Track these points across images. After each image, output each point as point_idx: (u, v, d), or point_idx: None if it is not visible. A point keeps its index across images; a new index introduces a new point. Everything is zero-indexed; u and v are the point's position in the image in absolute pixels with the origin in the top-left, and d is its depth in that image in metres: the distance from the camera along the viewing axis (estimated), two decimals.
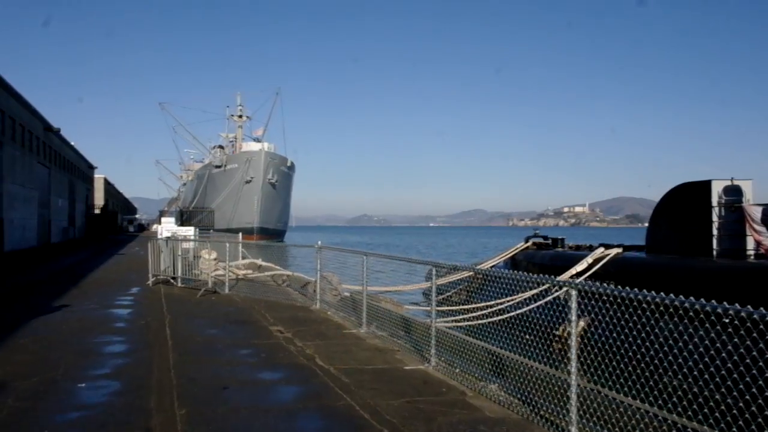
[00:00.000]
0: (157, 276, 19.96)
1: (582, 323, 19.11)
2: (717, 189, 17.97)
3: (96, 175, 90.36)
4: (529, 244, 27.36)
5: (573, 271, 20.89)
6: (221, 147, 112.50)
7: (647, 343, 9.04)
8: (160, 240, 21.16)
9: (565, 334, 18.84)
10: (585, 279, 20.34)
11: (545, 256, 24.57)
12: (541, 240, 27.54)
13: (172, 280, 19.75)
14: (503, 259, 28.22)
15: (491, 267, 27.91)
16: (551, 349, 17.73)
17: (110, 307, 14.74)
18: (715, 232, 17.89)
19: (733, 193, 17.62)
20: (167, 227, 36.98)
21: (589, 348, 9.54)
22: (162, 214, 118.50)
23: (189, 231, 33.85)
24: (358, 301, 13.93)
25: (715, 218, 17.89)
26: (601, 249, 21.03)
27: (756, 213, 16.52)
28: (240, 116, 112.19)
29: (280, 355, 9.36)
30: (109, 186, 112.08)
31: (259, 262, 24.20)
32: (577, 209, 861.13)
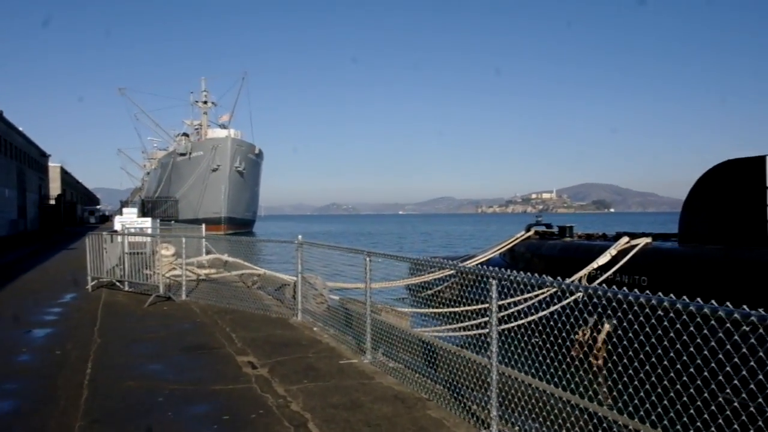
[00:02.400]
0: (99, 279, 16.38)
1: (607, 326, 16.18)
2: None
3: (51, 164, 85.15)
4: (530, 233, 24.25)
5: (594, 265, 17.87)
6: (186, 135, 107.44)
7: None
8: (105, 233, 17.54)
9: (587, 339, 15.56)
10: (612, 274, 17.36)
11: (553, 248, 21.50)
12: (544, 228, 24.49)
13: (118, 284, 16.23)
14: (500, 251, 25.03)
15: (486, 260, 24.88)
16: (570, 355, 14.68)
17: (25, 325, 11.18)
18: None
19: None
20: (125, 219, 33.23)
21: (623, 360, 6.53)
22: (124, 204, 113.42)
23: (145, 222, 30.18)
24: (355, 314, 10.64)
25: None
26: (626, 239, 18.02)
27: None
28: (205, 102, 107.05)
29: (252, 417, 6.02)
30: (66, 175, 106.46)
31: (225, 257, 20.66)
32: (545, 195, 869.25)
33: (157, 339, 9.90)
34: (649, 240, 17.69)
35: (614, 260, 17.61)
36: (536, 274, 5.67)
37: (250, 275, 17.53)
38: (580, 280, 18.15)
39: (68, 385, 7.19)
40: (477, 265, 17.42)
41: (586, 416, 5.69)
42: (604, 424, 5.51)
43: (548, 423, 5.67)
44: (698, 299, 3.90)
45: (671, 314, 4.15)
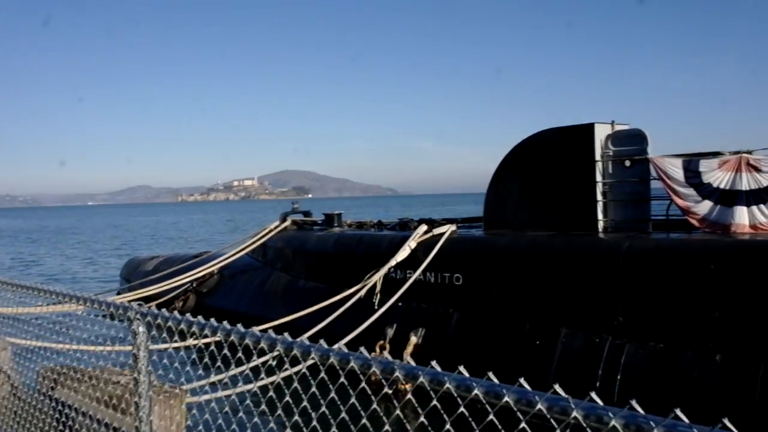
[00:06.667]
0: None
1: (413, 339, 12.86)
2: (601, 136, 12.69)
3: None
4: (287, 223, 19.64)
5: (392, 263, 14.04)
6: None
7: None
8: None
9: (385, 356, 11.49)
10: (422, 272, 13.69)
11: (325, 242, 17.16)
12: (302, 217, 20.12)
13: None
14: (247, 249, 19.76)
15: (230, 263, 19.79)
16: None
17: None
18: (600, 197, 12.66)
19: (630, 140, 12.48)
20: None
21: None
22: None
23: None
24: (89, 420, 5.03)
25: (599, 177, 12.64)
26: (424, 227, 14.48)
27: (674, 168, 11.48)
28: None
29: None
30: None
31: None
32: (247, 183, 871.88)
33: None
34: (454, 228, 14.39)
35: (415, 255, 14.01)
36: None
37: None
38: (376, 283, 14.21)
39: None
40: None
41: None
42: None
43: None
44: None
45: None
